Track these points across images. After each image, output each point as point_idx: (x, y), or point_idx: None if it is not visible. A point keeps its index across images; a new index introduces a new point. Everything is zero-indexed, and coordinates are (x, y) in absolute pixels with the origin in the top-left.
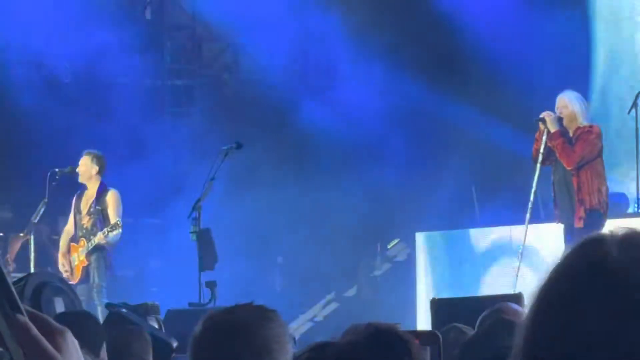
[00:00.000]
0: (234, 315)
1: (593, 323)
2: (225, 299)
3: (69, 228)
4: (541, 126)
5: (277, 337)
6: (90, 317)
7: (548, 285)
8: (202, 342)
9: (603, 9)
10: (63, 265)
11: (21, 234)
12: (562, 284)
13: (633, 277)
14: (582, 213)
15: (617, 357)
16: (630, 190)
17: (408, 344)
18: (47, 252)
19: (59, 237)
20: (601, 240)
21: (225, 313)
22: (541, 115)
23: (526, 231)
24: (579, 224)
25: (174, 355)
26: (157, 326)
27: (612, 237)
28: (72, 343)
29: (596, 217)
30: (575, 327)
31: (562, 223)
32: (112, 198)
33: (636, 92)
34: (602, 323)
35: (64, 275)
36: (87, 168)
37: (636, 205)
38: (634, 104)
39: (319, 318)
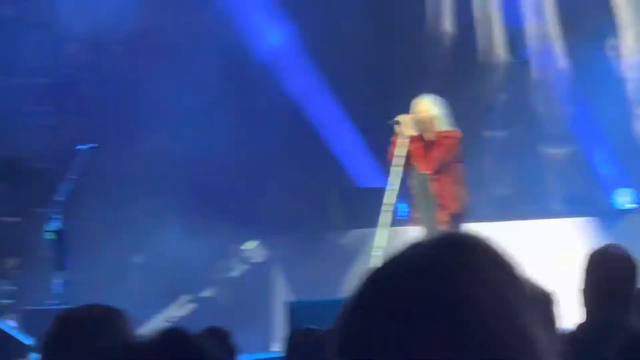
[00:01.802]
0: (83, 314)
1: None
2: (81, 299)
3: None
4: (397, 129)
5: (125, 334)
6: None
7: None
8: (52, 341)
9: None
10: None
11: None
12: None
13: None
14: (444, 217)
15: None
16: None
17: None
18: None
19: None
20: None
21: (74, 312)
22: (396, 118)
23: (385, 233)
24: (443, 228)
25: (30, 353)
26: (12, 325)
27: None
28: None
29: (458, 221)
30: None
31: (422, 226)
32: None
33: None
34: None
35: None
36: None
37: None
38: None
39: (175, 319)
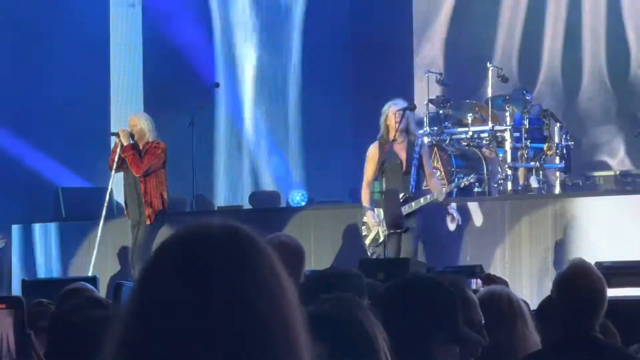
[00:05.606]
0: None
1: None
2: None
3: None
4: (116, 139)
5: None
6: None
7: (147, 281)
8: None
9: None
10: None
11: None
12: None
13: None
14: (149, 212)
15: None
16: None
17: None
18: None
19: None
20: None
21: None
22: (116, 130)
23: (102, 225)
24: (148, 222)
25: None
26: None
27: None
28: None
29: (161, 216)
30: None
31: (131, 220)
32: None
33: None
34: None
35: None
36: None
37: (193, 204)
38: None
39: None
